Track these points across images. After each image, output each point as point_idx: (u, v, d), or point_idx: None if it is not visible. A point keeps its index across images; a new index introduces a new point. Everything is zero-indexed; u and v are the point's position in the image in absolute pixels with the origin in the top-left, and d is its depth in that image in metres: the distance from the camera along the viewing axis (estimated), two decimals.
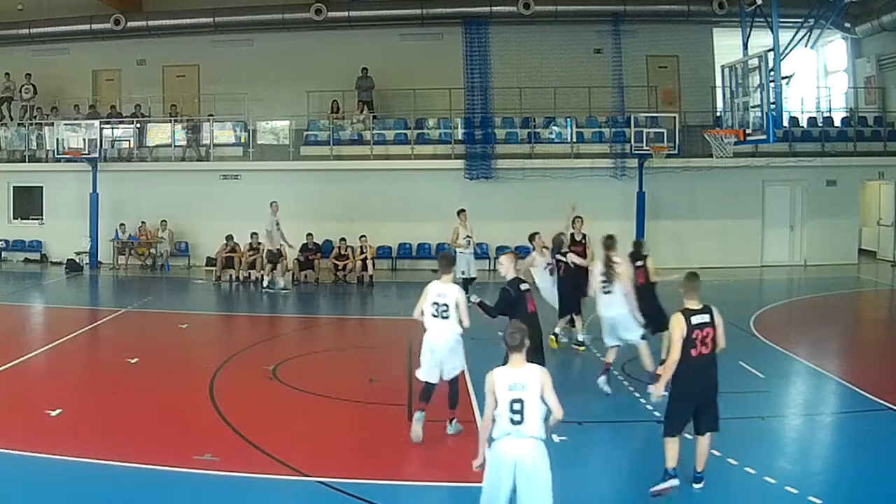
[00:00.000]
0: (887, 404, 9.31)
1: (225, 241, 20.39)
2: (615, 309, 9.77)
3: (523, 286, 8.34)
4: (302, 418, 9.13)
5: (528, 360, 5.57)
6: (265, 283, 18.61)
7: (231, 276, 20.15)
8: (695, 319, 6.76)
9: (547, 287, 12.30)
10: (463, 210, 16.84)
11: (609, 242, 10.07)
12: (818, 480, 7.32)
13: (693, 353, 6.72)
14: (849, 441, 8.58)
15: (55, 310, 17.07)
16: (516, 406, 5.22)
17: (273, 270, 18.62)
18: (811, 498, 6.68)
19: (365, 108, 23.08)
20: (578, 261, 12.05)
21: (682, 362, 6.73)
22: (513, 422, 5.22)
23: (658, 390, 7.15)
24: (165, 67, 24.92)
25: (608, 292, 9.83)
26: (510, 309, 8.02)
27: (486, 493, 5.39)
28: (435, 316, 8.16)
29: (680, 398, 6.88)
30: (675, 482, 6.77)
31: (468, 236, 16.44)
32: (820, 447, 8.56)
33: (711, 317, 6.83)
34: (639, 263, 10.70)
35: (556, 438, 8.18)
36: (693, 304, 6.86)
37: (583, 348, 12.17)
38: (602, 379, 9.82)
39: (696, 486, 6.96)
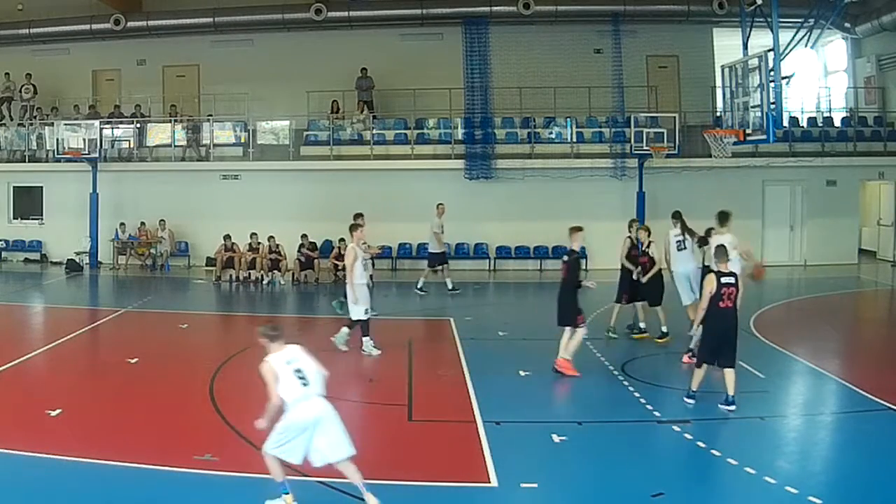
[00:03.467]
0: (887, 404, 9.32)
1: (223, 241, 20.40)
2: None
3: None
4: None
5: None
6: (419, 286, 18.14)
7: (231, 276, 20.16)
8: (723, 280, 9.09)
9: None
10: (360, 214, 13.67)
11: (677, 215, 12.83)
12: (818, 480, 7.31)
13: (721, 304, 9.06)
14: (849, 441, 8.58)
15: (55, 310, 17.06)
16: (299, 374, 6.43)
17: (441, 272, 18.39)
18: (811, 498, 6.68)
19: (365, 108, 23.08)
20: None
21: (712, 312, 9.10)
22: (304, 384, 6.40)
23: (695, 328, 9.89)
24: (165, 67, 24.95)
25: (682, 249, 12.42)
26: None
27: (283, 446, 6.36)
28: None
29: (708, 338, 9.24)
30: (691, 402, 9.25)
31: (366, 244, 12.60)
32: (820, 447, 8.55)
33: (735, 280, 9.15)
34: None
35: (556, 438, 8.22)
36: (723, 268, 9.15)
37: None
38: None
39: (730, 408, 8.95)
